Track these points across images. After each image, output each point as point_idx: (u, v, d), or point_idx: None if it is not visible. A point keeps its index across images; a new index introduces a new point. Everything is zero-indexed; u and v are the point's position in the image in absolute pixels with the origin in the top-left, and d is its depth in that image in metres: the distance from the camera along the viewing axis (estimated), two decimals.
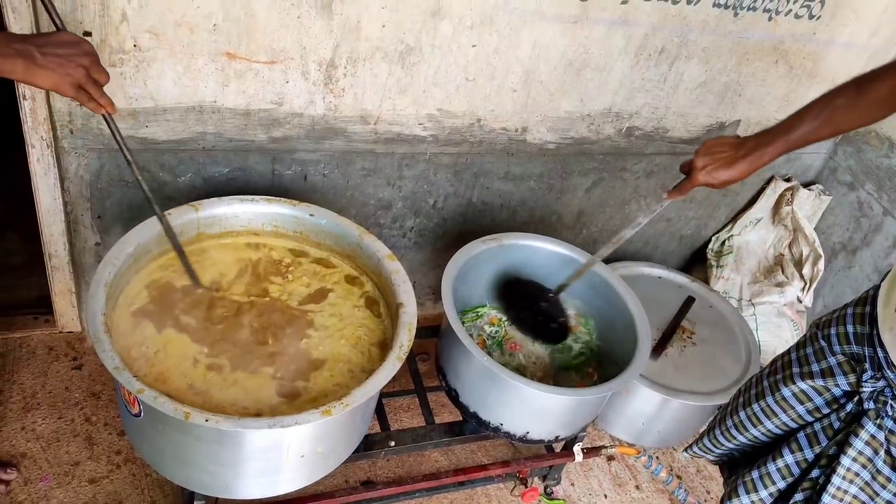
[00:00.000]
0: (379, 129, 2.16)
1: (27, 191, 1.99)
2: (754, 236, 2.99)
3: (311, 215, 1.87)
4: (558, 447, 2.22)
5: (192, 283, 1.71)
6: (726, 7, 2.24)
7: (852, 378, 1.42)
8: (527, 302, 2.07)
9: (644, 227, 1.83)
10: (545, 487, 2.30)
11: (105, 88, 1.59)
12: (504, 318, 2.08)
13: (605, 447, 2.20)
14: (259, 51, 1.86)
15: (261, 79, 1.91)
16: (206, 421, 1.33)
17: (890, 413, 1.37)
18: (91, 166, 1.95)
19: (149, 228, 1.67)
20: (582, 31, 2.14)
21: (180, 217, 1.73)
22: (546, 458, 2.20)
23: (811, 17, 2.37)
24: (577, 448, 2.12)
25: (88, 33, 1.70)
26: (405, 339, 1.61)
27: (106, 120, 1.44)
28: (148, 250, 1.69)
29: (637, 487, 2.43)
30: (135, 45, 1.75)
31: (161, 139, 1.94)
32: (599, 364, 2.09)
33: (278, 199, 1.87)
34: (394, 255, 1.81)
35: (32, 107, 1.80)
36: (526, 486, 2.27)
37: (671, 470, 2.52)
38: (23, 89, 1.78)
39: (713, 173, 1.58)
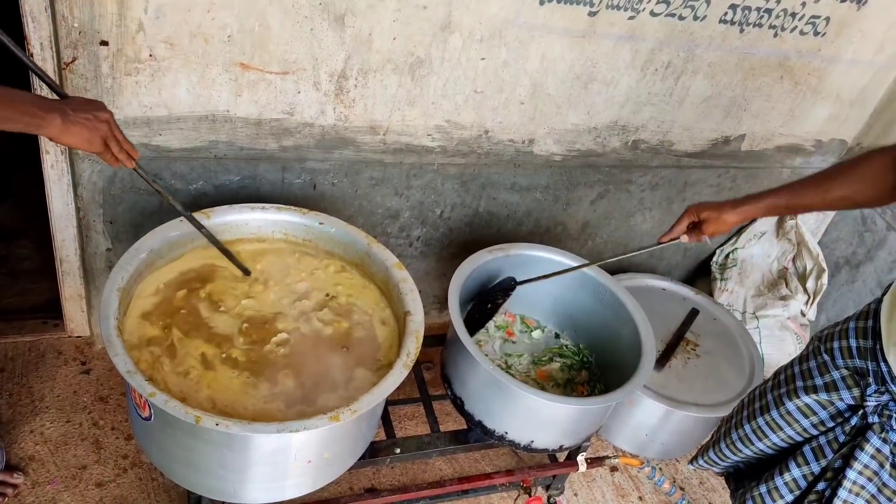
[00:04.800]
0: (388, 140, 2.18)
1: (42, 198, 2.02)
2: (758, 249, 3.01)
3: (320, 223, 1.90)
4: (562, 457, 2.22)
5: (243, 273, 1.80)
6: (732, 23, 2.27)
7: (856, 392, 1.44)
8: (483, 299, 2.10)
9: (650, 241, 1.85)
10: (548, 497, 2.31)
11: (120, 97, 1.62)
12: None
13: (609, 457, 2.20)
14: (272, 61, 1.89)
15: (273, 89, 1.94)
16: (217, 425, 1.35)
17: (894, 427, 1.39)
18: (104, 172, 1.98)
19: (161, 235, 1.70)
20: (590, 46, 2.16)
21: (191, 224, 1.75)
22: (550, 467, 2.21)
23: (816, 34, 2.40)
24: (580, 458, 2.13)
25: (105, 42, 1.73)
26: (412, 346, 1.63)
27: (136, 171, 1.52)
28: (161, 256, 1.72)
29: (640, 499, 2.44)
30: (150, 55, 1.78)
31: (174, 147, 1.97)
32: (598, 379, 2.15)
33: (288, 207, 1.89)
34: (402, 264, 1.83)
35: None
36: (529, 496, 2.28)
37: (674, 481, 2.52)
38: None
39: (722, 215, 1.69)
